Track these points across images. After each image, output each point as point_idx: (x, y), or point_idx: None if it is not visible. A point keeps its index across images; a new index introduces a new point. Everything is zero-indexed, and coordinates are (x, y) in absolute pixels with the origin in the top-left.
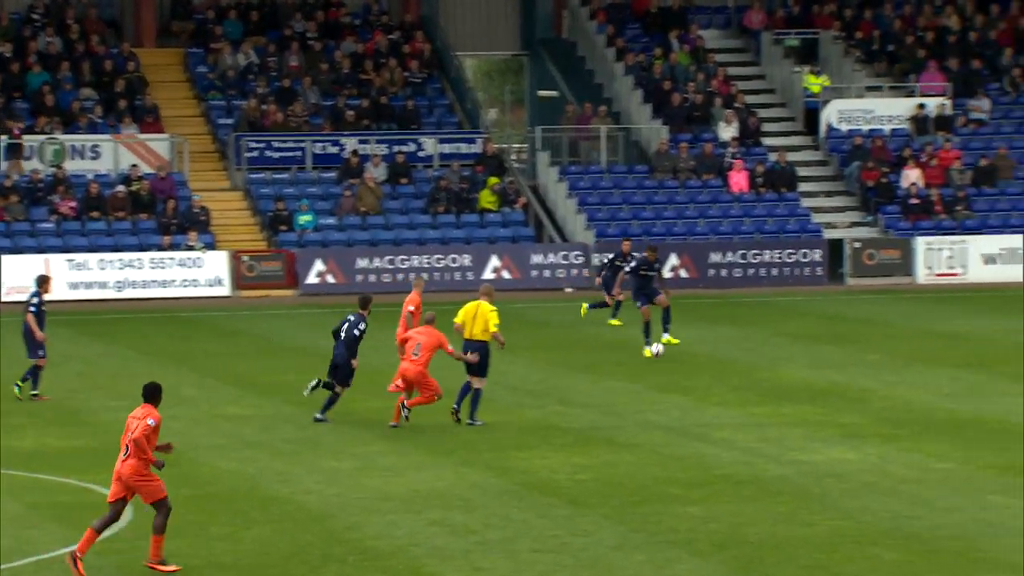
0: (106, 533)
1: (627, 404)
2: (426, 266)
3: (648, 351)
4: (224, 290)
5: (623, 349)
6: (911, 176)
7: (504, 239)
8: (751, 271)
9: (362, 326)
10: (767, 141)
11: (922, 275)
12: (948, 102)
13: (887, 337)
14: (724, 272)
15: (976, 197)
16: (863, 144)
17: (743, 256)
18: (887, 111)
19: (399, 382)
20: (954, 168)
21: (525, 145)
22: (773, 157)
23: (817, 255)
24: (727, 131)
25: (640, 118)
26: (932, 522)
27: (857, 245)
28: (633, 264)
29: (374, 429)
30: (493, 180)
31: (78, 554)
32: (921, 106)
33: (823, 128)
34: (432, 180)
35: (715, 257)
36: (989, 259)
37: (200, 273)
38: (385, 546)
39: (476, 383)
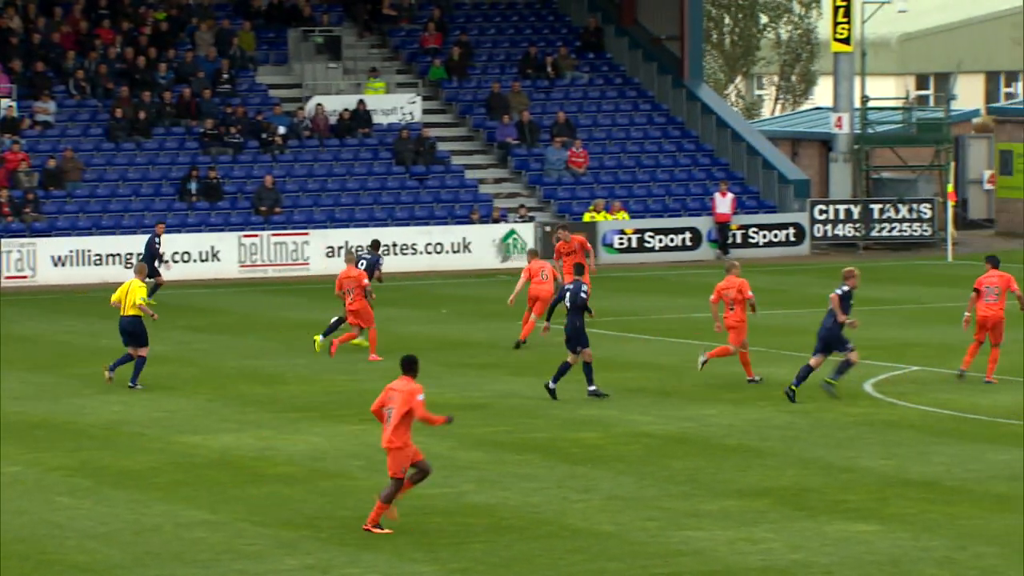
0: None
1: None
2: None
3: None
4: None
5: None
6: None
7: None
8: None
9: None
10: None
11: None
12: (14, 104)
13: None
14: None
15: (44, 199)
16: None
17: None
18: None
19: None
20: (22, 170)
21: None
22: None
23: None
24: None
25: None
26: (1, 526)
27: None
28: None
29: None
30: None
31: (369, 527)
32: None
33: None
34: None
35: None
36: (59, 261)
37: None
38: None
39: (141, 352)
